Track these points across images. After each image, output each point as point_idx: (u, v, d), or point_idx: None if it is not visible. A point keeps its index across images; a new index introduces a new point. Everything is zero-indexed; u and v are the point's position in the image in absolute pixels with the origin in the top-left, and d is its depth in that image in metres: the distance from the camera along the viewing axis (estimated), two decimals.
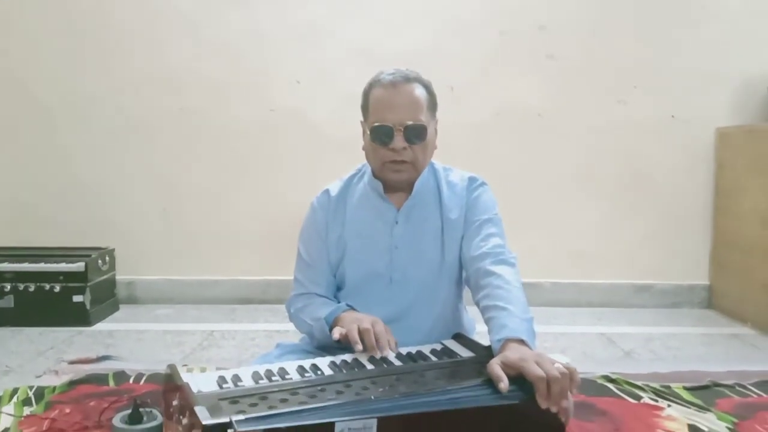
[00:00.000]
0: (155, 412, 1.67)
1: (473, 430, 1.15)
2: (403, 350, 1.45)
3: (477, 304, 1.52)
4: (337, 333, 1.46)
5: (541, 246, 3.16)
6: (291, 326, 1.75)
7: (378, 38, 3.07)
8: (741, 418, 1.81)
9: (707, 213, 3.20)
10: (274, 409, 1.08)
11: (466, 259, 1.62)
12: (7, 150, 3.18)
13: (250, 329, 2.77)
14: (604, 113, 3.16)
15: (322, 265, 1.69)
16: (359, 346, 1.40)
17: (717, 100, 3.14)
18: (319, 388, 1.21)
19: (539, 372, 1.19)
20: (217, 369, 1.61)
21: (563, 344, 2.57)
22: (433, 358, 1.41)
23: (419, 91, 1.56)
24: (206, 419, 1.03)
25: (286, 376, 1.28)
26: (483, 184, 1.71)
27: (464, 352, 1.44)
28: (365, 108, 1.62)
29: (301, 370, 1.32)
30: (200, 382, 1.22)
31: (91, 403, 1.85)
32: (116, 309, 3.08)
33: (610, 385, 2.06)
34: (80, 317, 2.79)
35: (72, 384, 2.03)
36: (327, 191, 1.73)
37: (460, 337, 1.54)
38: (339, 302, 1.64)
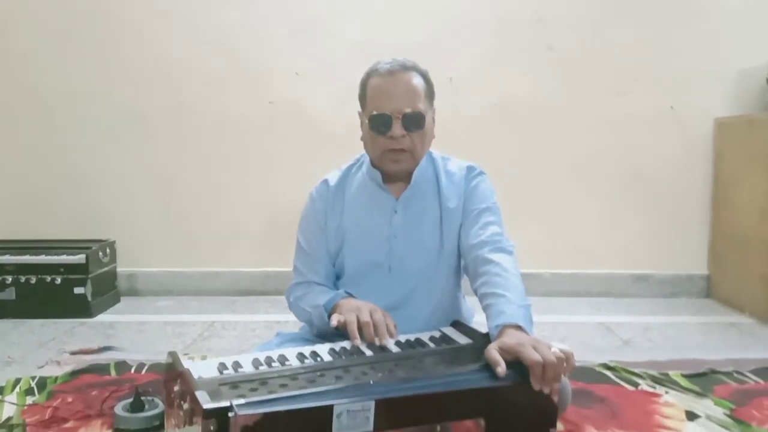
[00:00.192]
0: (157, 400, 1.69)
1: (468, 411, 1.17)
2: (402, 337, 1.46)
3: (475, 291, 1.53)
4: (335, 320, 1.47)
5: (540, 237, 3.17)
6: (291, 317, 1.76)
7: (377, 30, 3.07)
8: (738, 404, 1.83)
9: (706, 204, 3.21)
10: (273, 394, 1.10)
11: (464, 248, 1.63)
12: (7, 144, 3.18)
13: (250, 320, 2.79)
14: (602, 104, 3.16)
15: (321, 254, 1.70)
16: (358, 341, 1.40)
17: (715, 91, 3.15)
18: (318, 373, 1.22)
19: (536, 356, 1.20)
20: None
21: (562, 333, 2.58)
22: (432, 345, 1.42)
23: (417, 80, 1.57)
24: (207, 403, 1.04)
25: (286, 363, 1.29)
26: (481, 173, 1.72)
27: (462, 339, 1.45)
28: (363, 98, 1.62)
29: (301, 356, 1.33)
30: (201, 368, 1.24)
31: (93, 393, 1.87)
32: (117, 301, 3.09)
33: (609, 373, 2.07)
34: (81, 309, 2.81)
35: (74, 374, 2.04)
36: (326, 181, 1.74)
37: (459, 325, 1.56)
38: (349, 294, 1.65)
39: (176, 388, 1.20)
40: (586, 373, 2.05)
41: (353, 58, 2.85)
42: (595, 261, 3.23)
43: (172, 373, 1.27)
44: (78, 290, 2.82)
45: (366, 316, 1.45)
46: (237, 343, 2.43)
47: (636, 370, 2.08)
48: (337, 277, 1.74)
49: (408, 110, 1.53)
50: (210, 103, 3.17)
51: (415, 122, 1.54)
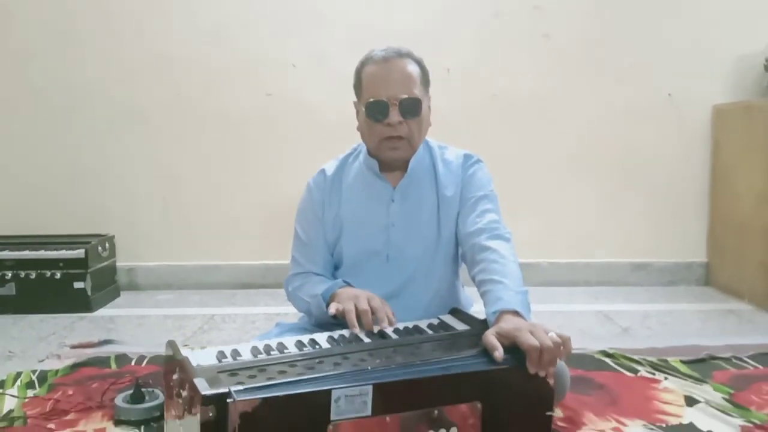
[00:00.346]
0: (157, 391, 1.70)
1: (465, 395, 1.17)
2: (400, 325, 1.46)
3: (473, 279, 1.53)
4: (333, 308, 1.47)
5: (538, 226, 3.17)
6: (291, 309, 1.76)
7: (374, 21, 3.06)
8: (737, 389, 1.83)
9: (704, 191, 3.21)
10: (272, 380, 1.10)
11: (461, 236, 1.63)
12: (7, 140, 3.18)
13: (250, 312, 2.79)
14: (600, 93, 3.16)
15: (318, 244, 1.70)
16: (356, 329, 1.40)
17: (713, 78, 3.14)
18: (317, 360, 1.22)
19: (533, 341, 1.20)
20: None
21: (560, 322, 2.59)
22: (430, 332, 1.42)
23: (412, 66, 1.56)
24: (205, 390, 1.04)
25: (285, 351, 1.29)
26: (478, 161, 1.72)
27: (460, 326, 1.45)
28: (358, 86, 1.62)
29: (300, 344, 1.34)
30: (199, 357, 1.24)
31: (94, 385, 1.87)
32: (117, 295, 3.10)
33: (608, 360, 2.08)
34: (81, 303, 2.81)
35: (74, 367, 2.05)
36: (323, 171, 1.74)
37: (457, 312, 1.56)
38: (348, 283, 1.65)
39: (175, 377, 1.21)
40: (585, 361, 2.06)
41: (350, 49, 2.82)
42: (594, 250, 3.24)
43: (171, 362, 1.27)
44: (78, 285, 2.82)
45: (364, 304, 1.45)
46: (237, 336, 2.44)
47: (635, 357, 2.09)
48: (336, 267, 1.74)
49: (404, 96, 1.53)
50: (208, 97, 3.17)
51: (412, 108, 1.54)
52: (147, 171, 3.20)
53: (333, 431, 1.08)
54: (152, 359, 2.11)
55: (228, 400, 1.03)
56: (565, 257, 3.24)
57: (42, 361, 2.16)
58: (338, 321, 1.49)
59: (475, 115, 3.12)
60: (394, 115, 1.53)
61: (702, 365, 2.04)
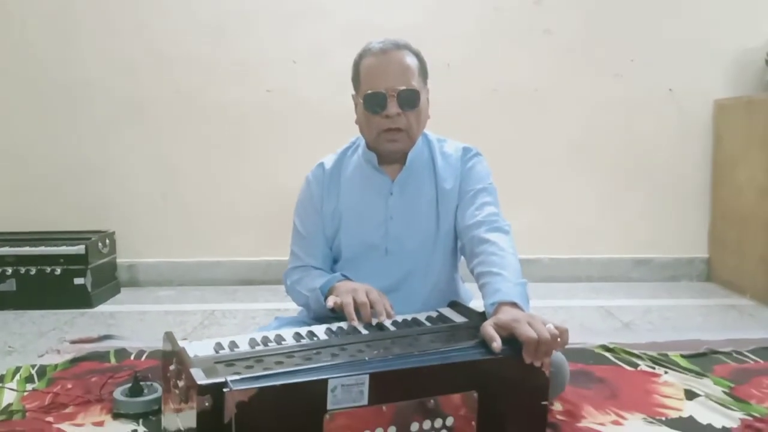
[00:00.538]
0: (155, 385, 1.70)
1: (461, 384, 1.17)
2: (399, 317, 1.46)
3: (471, 271, 1.53)
4: (331, 302, 1.46)
5: (539, 222, 3.16)
6: (292, 305, 1.76)
7: (374, 16, 3.06)
8: (737, 382, 1.82)
9: (705, 186, 3.20)
10: (269, 370, 1.10)
11: (460, 228, 1.62)
12: (6, 136, 3.18)
13: (250, 308, 2.79)
14: (600, 88, 3.15)
15: (317, 237, 1.70)
16: (355, 322, 1.40)
17: (714, 73, 3.13)
18: (314, 351, 1.22)
19: (530, 333, 1.20)
20: None
21: (561, 317, 2.58)
22: (428, 324, 1.42)
23: (410, 58, 1.56)
24: (201, 379, 1.04)
25: (283, 342, 1.29)
26: (477, 154, 1.71)
27: (459, 318, 1.45)
28: (356, 79, 1.62)
29: (298, 336, 1.33)
30: (197, 348, 1.24)
31: (93, 379, 1.87)
32: (117, 291, 3.10)
33: (608, 354, 2.07)
34: (82, 299, 2.81)
35: (74, 361, 2.05)
36: (321, 164, 1.74)
37: (456, 305, 1.55)
38: (346, 276, 1.65)
39: (172, 368, 1.21)
40: (585, 355, 2.05)
41: (350, 45, 2.83)
42: (595, 245, 3.23)
43: (168, 354, 1.27)
44: (78, 281, 2.82)
45: (362, 296, 1.44)
46: (237, 331, 2.44)
47: (635, 351, 2.08)
48: (334, 261, 1.74)
49: (402, 87, 1.52)
50: (208, 94, 3.16)
51: (410, 100, 1.54)
52: (147, 167, 3.20)
53: (329, 420, 1.08)
54: (151, 354, 2.11)
55: (224, 390, 1.03)
56: (566, 253, 3.24)
57: (42, 355, 2.16)
58: (337, 314, 1.49)
59: (475, 109, 3.11)
60: (392, 107, 1.53)
61: (702, 359, 2.03)
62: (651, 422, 1.59)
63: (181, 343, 1.25)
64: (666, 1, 3.10)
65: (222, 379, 1.04)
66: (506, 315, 1.27)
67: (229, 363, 1.15)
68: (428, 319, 1.46)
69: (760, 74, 3.07)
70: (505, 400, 1.20)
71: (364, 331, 1.36)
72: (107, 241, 3.05)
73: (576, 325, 2.48)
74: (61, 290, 2.81)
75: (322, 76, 3.11)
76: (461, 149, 1.70)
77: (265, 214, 3.18)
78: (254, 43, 3.13)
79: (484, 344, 1.24)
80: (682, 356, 2.05)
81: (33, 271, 2.81)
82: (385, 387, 1.10)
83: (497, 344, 1.21)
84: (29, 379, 1.91)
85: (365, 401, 1.09)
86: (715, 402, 1.68)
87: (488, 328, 1.25)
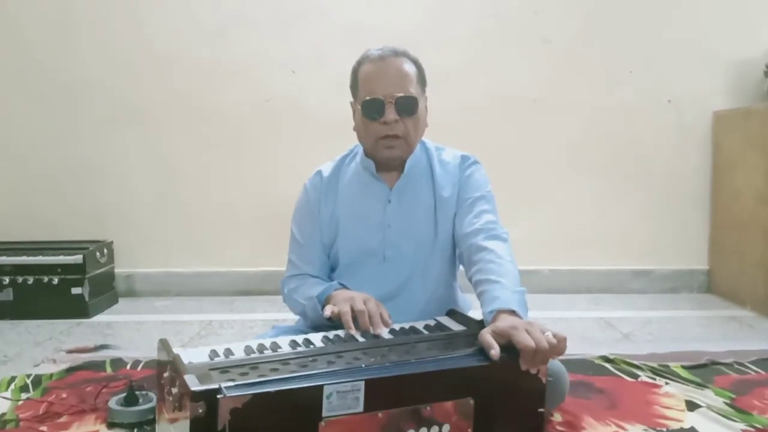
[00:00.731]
0: (150, 394, 1.68)
1: (457, 391, 1.15)
2: (396, 326, 1.44)
3: (470, 279, 1.52)
4: (329, 311, 1.45)
5: (538, 232, 3.15)
6: (290, 315, 1.75)
7: (373, 24, 3.06)
8: (739, 393, 1.81)
9: (705, 197, 3.19)
10: (264, 377, 1.08)
11: (458, 236, 1.62)
12: (3, 144, 3.18)
13: (248, 318, 2.78)
14: (599, 98, 3.15)
15: (315, 245, 1.69)
16: (353, 331, 1.39)
17: (713, 83, 3.14)
18: (310, 359, 1.21)
19: (528, 341, 1.19)
20: None
21: (561, 328, 2.52)
22: (426, 333, 1.41)
23: (408, 66, 1.56)
24: (195, 386, 1.03)
25: (278, 350, 1.28)
26: (475, 162, 1.71)
27: (457, 327, 1.43)
28: (354, 86, 1.62)
29: (294, 343, 1.32)
30: (191, 355, 1.22)
31: (88, 388, 1.85)
32: (115, 301, 3.08)
33: (608, 365, 2.06)
34: (79, 309, 2.80)
35: (69, 371, 2.03)
36: (319, 172, 1.73)
37: (454, 314, 1.54)
38: (343, 285, 1.64)
39: (166, 375, 1.19)
40: (585, 365, 2.04)
41: (349, 53, 2.84)
42: (594, 256, 3.22)
43: (163, 361, 1.26)
44: (75, 291, 2.81)
45: (360, 304, 1.43)
46: (235, 341, 2.41)
47: (635, 362, 2.06)
48: (332, 269, 1.73)
49: (400, 94, 1.52)
50: (208, 100, 3.16)
51: (408, 107, 1.53)
52: (145, 177, 3.20)
53: (325, 428, 1.06)
54: (148, 363, 2.09)
55: (218, 396, 1.01)
56: (565, 264, 3.22)
57: (37, 365, 2.14)
58: (334, 323, 1.47)
59: (474, 118, 3.11)
60: (390, 114, 1.52)
61: (703, 370, 2.01)
62: None
63: (176, 350, 1.23)
64: (665, 11, 3.12)
65: (216, 386, 1.03)
66: (504, 322, 1.26)
67: (224, 370, 1.13)
68: (426, 327, 1.45)
69: (759, 85, 3.07)
70: (502, 406, 1.19)
71: (361, 339, 1.35)
72: (105, 250, 3.04)
73: (576, 336, 2.44)
74: (59, 300, 2.80)
75: (321, 83, 3.11)
76: (459, 157, 1.70)
77: (264, 223, 3.17)
78: (254, 46, 3.14)
79: (482, 352, 1.22)
80: (683, 367, 2.03)
81: (30, 280, 2.80)
82: (381, 394, 1.09)
83: (495, 351, 1.20)
84: (24, 388, 1.89)
85: (361, 408, 1.07)
86: (717, 413, 1.66)
87: (486, 335, 1.24)
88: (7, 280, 2.80)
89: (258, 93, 3.16)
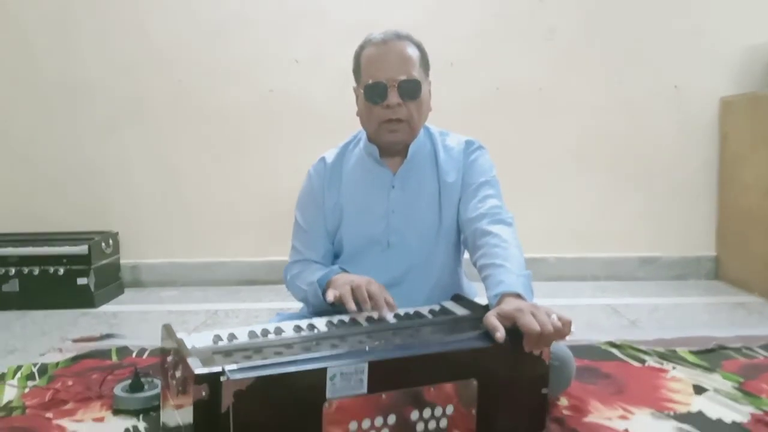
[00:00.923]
0: (156, 381, 1.68)
1: (461, 372, 1.15)
2: (401, 311, 1.43)
3: (474, 264, 1.50)
4: (330, 295, 1.43)
5: (544, 221, 3.14)
6: (296, 304, 1.74)
7: (376, 15, 3.04)
8: (747, 377, 1.79)
9: (712, 184, 3.17)
10: (267, 360, 1.08)
11: (463, 221, 1.60)
12: (7, 137, 3.19)
13: (253, 308, 2.78)
14: (605, 85, 3.13)
15: (318, 231, 1.68)
16: (352, 306, 1.36)
17: (720, 70, 3.11)
18: (314, 342, 1.20)
19: (533, 325, 1.17)
20: None
21: (567, 315, 2.55)
22: (430, 317, 1.40)
23: (411, 49, 1.54)
24: (198, 368, 1.02)
25: (282, 334, 1.27)
26: (480, 147, 1.69)
27: (462, 311, 1.42)
28: (357, 70, 1.61)
29: (297, 328, 1.31)
30: (195, 339, 1.22)
31: (94, 376, 1.86)
32: (121, 292, 3.09)
33: (614, 350, 2.05)
34: (85, 299, 2.80)
35: (75, 359, 2.04)
36: (323, 159, 1.72)
37: (459, 299, 1.53)
38: (344, 270, 1.63)
39: (170, 359, 1.19)
40: (591, 351, 2.03)
41: (351, 45, 2.83)
42: (601, 244, 3.20)
43: (167, 346, 1.25)
44: (81, 281, 2.82)
45: (362, 288, 1.40)
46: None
47: (642, 348, 2.05)
48: (336, 256, 1.72)
49: (403, 78, 1.50)
50: (210, 94, 3.16)
51: (411, 90, 1.52)
52: (150, 168, 3.20)
53: (329, 409, 1.05)
54: (153, 352, 2.09)
55: (221, 379, 1.01)
56: (572, 252, 3.21)
57: (43, 354, 2.14)
58: (336, 308, 1.46)
59: (478, 108, 3.10)
60: (393, 97, 1.51)
61: (711, 355, 2.00)
62: (659, 417, 1.56)
63: (180, 335, 1.23)
64: None
65: (219, 369, 1.02)
66: (509, 305, 1.25)
67: (228, 353, 1.13)
68: (431, 312, 1.44)
69: (766, 70, 3.04)
70: (505, 388, 1.18)
71: (365, 323, 1.34)
72: (110, 241, 3.04)
73: (582, 323, 2.45)
74: (64, 290, 2.80)
75: (324, 76, 3.10)
76: (464, 142, 1.68)
77: (268, 213, 3.17)
78: (256, 42, 3.13)
79: (487, 335, 1.21)
80: (691, 352, 2.02)
81: (36, 271, 2.81)
82: (385, 375, 1.08)
83: (501, 334, 1.18)
84: (30, 376, 1.89)
85: (364, 390, 1.07)
86: (725, 397, 1.66)
87: (491, 318, 1.23)
88: (13, 271, 2.80)
89: (259, 87, 3.15)
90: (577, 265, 3.20)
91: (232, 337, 1.25)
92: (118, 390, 1.65)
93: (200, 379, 1.01)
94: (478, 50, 3.11)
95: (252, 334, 1.27)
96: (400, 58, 1.52)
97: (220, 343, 1.21)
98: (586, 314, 2.59)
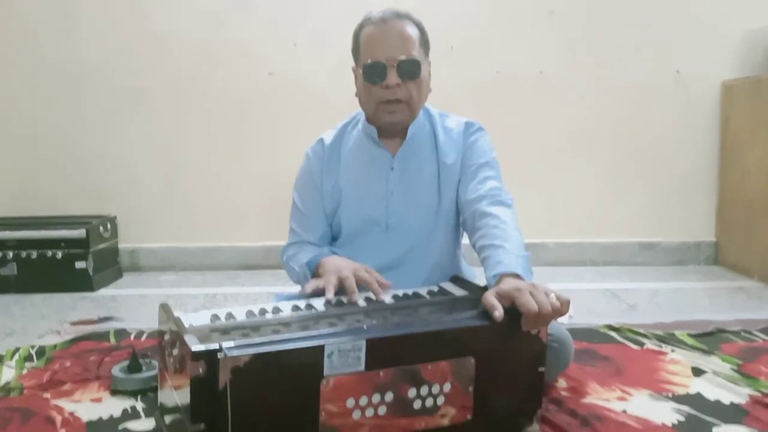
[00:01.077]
0: (154, 362, 1.68)
1: (458, 350, 1.15)
2: (399, 292, 1.43)
3: (473, 245, 1.50)
4: (310, 287, 1.39)
5: (544, 207, 3.13)
6: (294, 288, 1.73)
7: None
8: (746, 360, 1.79)
9: (713, 169, 3.16)
10: (265, 337, 1.07)
11: (462, 203, 1.59)
12: (7, 121, 3.16)
13: (252, 292, 2.78)
14: (606, 69, 3.10)
15: (316, 213, 1.67)
16: (331, 296, 1.33)
17: (722, 54, 3.08)
18: (312, 321, 1.20)
19: (532, 304, 1.17)
20: None
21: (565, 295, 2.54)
22: (429, 298, 1.39)
23: (411, 28, 1.52)
24: (195, 345, 1.02)
25: (280, 313, 1.27)
26: (480, 129, 1.68)
27: (460, 292, 1.42)
28: (356, 50, 1.59)
29: (296, 308, 1.31)
30: (193, 318, 1.21)
31: (92, 357, 1.86)
32: (119, 276, 3.08)
33: (613, 333, 2.04)
34: (83, 283, 2.80)
35: (73, 341, 2.03)
36: (321, 140, 1.71)
37: (458, 280, 1.52)
38: (335, 252, 1.62)
39: (167, 337, 1.18)
40: (589, 334, 2.03)
41: (351, 25, 2.81)
42: (601, 230, 3.19)
43: (164, 325, 1.25)
44: (79, 265, 2.81)
45: (347, 273, 1.38)
46: None
47: (641, 331, 2.05)
48: (335, 238, 1.71)
49: (403, 57, 1.49)
50: (209, 78, 3.13)
51: (411, 70, 1.50)
52: (148, 152, 3.18)
53: (326, 387, 1.05)
54: (151, 334, 2.09)
55: (219, 355, 1.00)
56: (571, 237, 3.20)
57: (42, 336, 2.14)
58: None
59: (479, 92, 3.07)
60: (392, 77, 1.49)
61: (710, 338, 2.00)
62: (657, 398, 1.56)
63: (177, 314, 1.22)
64: None
65: (216, 345, 1.02)
66: (508, 285, 1.24)
67: (225, 331, 1.12)
68: (429, 293, 1.43)
69: (767, 55, 3.02)
70: (503, 366, 1.18)
71: (363, 303, 1.34)
72: (108, 225, 3.04)
73: (581, 307, 2.44)
74: (63, 274, 2.80)
75: (324, 60, 3.08)
76: (463, 124, 1.67)
77: (267, 198, 3.16)
78: (255, 26, 3.10)
79: (486, 314, 1.21)
80: (689, 335, 2.02)
81: (34, 255, 2.80)
82: (382, 353, 1.08)
83: (499, 313, 1.18)
84: (28, 358, 1.89)
85: (362, 367, 1.06)
86: (723, 379, 1.65)
87: (489, 297, 1.22)
88: (11, 254, 2.80)
89: (260, 71, 3.12)
90: (576, 250, 3.20)
91: (229, 316, 1.25)
92: (116, 371, 1.65)
93: (197, 356, 1.01)
94: (479, 33, 3.09)
95: (250, 314, 1.27)
96: (399, 37, 1.50)
97: (218, 322, 1.21)
98: (585, 299, 2.58)
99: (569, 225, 3.20)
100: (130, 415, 1.49)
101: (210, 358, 1.00)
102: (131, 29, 3.11)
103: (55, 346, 1.98)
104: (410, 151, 1.62)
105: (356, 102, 1.62)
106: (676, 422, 1.43)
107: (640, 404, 1.52)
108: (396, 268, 1.59)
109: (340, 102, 2.93)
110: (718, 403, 1.52)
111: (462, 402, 1.16)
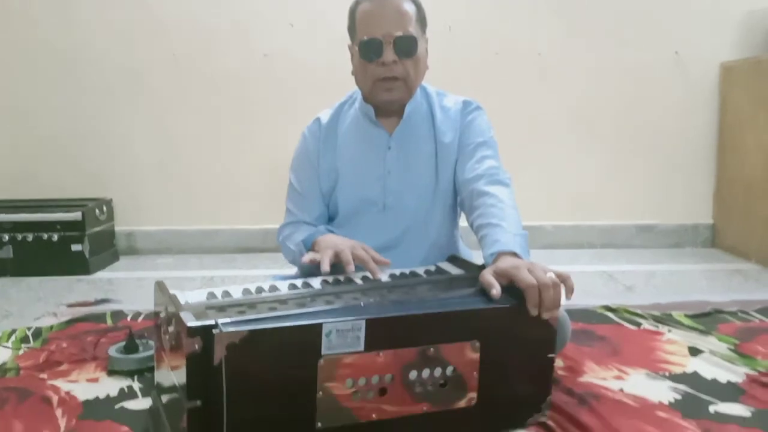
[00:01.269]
0: (151, 342, 1.68)
1: (461, 333, 1.13)
2: (396, 271, 1.42)
3: (471, 225, 1.49)
4: (307, 258, 1.39)
5: (542, 188, 3.12)
6: (291, 270, 1.73)
7: None
8: (743, 340, 1.80)
9: (711, 151, 3.15)
10: (261, 314, 1.07)
11: (460, 182, 1.58)
12: (2, 104, 3.14)
13: (250, 274, 2.77)
14: (605, 51, 3.08)
15: (312, 193, 1.66)
16: (326, 267, 1.32)
17: (721, 35, 3.06)
18: (309, 299, 1.19)
19: (530, 279, 1.16)
20: None
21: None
22: (426, 276, 1.39)
23: (407, 5, 1.50)
24: (191, 321, 1.01)
25: (277, 291, 1.26)
26: (478, 107, 1.66)
27: (457, 271, 1.41)
28: (352, 27, 1.57)
29: (292, 286, 1.30)
30: (189, 296, 1.21)
31: (89, 338, 1.85)
32: (116, 259, 3.07)
33: (610, 314, 2.05)
34: (79, 266, 2.79)
35: (70, 322, 2.03)
36: (318, 119, 1.70)
37: (455, 259, 1.52)
38: (331, 231, 1.61)
39: (162, 315, 1.18)
40: (586, 315, 2.03)
41: (347, 5, 2.78)
42: (598, 212, 3.19)
43: (159, 303, 1.24)
44: (75, 247, 2.80)
45: (346, 252, 1.36)
46: None
47: (638, 311, 2.05)
48: (331, 219, 1.70)
49: (399, 34, 1.47)
50: (206, 60, 3.10)
51: (407, 47, 1.48)
52: (145, 135, 3.16)
53: (323, 366, 1.05)
54: (148, 315, 2.08)
55: (214, 331, 1.00)
56: (569, 220, 3.20)
57: (38, 318, 2.13)
58: (334, 270, 1.42)
59: (477, 73, 3.05)
60: (389, 54, 1.47)
61: (707, 319, 2.00)
62: (654, 377, 1.56)
63: (173, 292, 1.22)
64: None
65: (212, 321, 1.01)
66: (505, 263, 1.24)
67: (221, 308, 1.12)
68: (426, 272, 1.43)
69: (766, 36, 3.00)
70: (509, 351, 1.17)
71: (360, 282, 1.33)
72: (105, 208, 3.02)
73: (578, 289, 2.35)
74: (59, 257, 2.78)
75: (320, 39, 3.05)
76: (461, 102, 1.66)
77: (265, 180, 3.14)
78: (250, 6, 3.07)
79: (483, 292, 1.20)
80: (686, 316, 2.02)
81: (30, 237, 2.79)
82: (383, 333, 1.07)
83: (496, 290, 1.18)
84: (24, 339, 1.89)
85: (361, 347, 1.06)
86: (720, 358, 1.66)
87: (487, 275, 1.22)
88: (6, 237, 2.78)
89: (257, 52, 3.09)
90: (573, 232, 3.19)
91: (226, 294, 1.24)
92: (113, 351, 1.65)
93: (193, 331, 1.00)
94: (477, 13, 3.06)
95: (246, 291, 1.26)
96: (396, 13, 1.48)
97: (214, 300, 1.20)
98: (582, 281, 2.53)
99: (567, 207, 3.19)
100: (127, 394, 1.49)
101: (206, 334, 1.00)
102: (129, 11, 3.07)
103: (51, 328, 1.98)
104: (407, 130, 1.61)
105: (353, 82, 1.60)
106: (672, 400, 1.43)
107: (637, 383, 1.53)
108: (393, 248, 1.58)
109: (336, 83, 2.90)
110: (714, 381, 1.53)
111: (466, 386, 1.15)
